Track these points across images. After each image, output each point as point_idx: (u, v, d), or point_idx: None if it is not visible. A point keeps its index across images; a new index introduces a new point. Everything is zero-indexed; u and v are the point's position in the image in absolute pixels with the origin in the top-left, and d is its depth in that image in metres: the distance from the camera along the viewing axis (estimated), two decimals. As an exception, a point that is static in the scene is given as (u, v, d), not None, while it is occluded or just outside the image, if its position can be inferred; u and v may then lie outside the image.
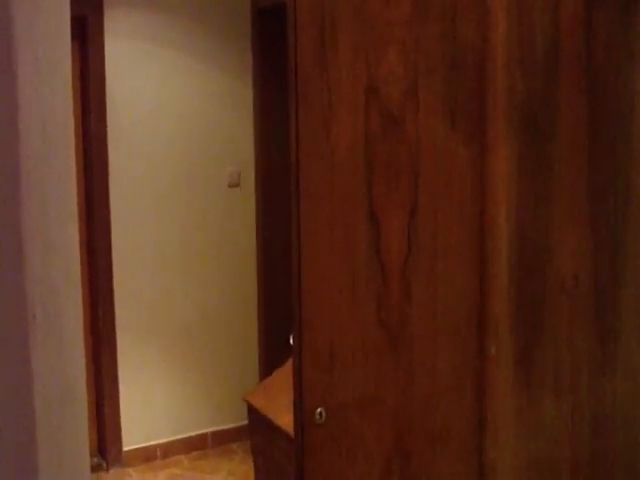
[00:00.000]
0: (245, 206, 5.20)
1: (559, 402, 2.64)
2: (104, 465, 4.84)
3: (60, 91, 1.00)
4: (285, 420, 2.94)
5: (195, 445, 5.11)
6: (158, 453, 5.03)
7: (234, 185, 5.16)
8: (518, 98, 2.45)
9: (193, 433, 5.10)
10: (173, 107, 4.97)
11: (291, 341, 2.25)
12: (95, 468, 4.69)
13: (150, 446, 5.01)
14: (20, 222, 0.85)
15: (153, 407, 4.98)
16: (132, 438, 4.93)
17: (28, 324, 0.85)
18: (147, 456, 4.99)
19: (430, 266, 2.35)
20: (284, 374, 3.25)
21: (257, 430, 3.38)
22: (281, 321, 4.96)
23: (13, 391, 0.87)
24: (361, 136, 2.22)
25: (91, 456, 4.66)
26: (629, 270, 2.75)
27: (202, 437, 5.09)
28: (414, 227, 2.31)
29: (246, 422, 4.24)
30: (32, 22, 0.91)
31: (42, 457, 0.88)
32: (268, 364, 5.01)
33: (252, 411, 3.41)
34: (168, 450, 5.05)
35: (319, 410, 2.19)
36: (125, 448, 4.92)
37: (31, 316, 0.85)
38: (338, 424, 2.24)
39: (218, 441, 5.18)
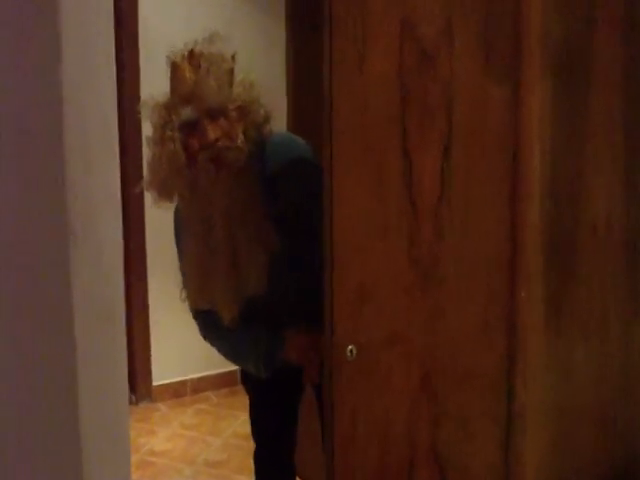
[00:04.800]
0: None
1: (588, 347, 2.64)
2: (133, 399, 4.92)
3: (103, 20, 1.01)
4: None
5: (224, 382, 5.15)
6: (188, 389, 5.09)
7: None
8: (554, 39, 2.42)
9: (223, 370, 5.11)
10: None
11: None
12: (125, 402, 4.76)
13: (180, 382, 5.07)
14: (62, 142, 0.86)
15: (184, 343, 5.00)
16: (162, 373, 4.99)
17: (69, 242, 0.86)
18: (176, 391, 5.05)
19: (462, 205, 2.34)
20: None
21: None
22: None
23: (53, 309, 0.88)
24: (395, 72, 2.20)
25: (122, 390, 4.73)
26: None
27: (232, 374, 5.10)
28: (447, 165, 2.30)
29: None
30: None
31: (81, 374, 0.90)
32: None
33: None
34: (197, 386, 5.11)
35: (350, 347, 2.21)
36: (155, 383, 4.98)
37: (71, 235, 0.86)
38: (368, 361, 2.26)
39: (247, 378, 5.20)
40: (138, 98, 4.64)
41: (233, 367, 5.16)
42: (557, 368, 2.58)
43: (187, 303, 2.56)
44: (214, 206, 2.29)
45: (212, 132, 2.24)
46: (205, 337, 2.61)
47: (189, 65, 2.31)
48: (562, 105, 2.46)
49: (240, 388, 4.94)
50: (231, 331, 2.51)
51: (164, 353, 4.98)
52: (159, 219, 4.83)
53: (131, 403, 4.88)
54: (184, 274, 2.52)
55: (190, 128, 2.27)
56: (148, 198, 4.75)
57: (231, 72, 2.33)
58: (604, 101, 2.54)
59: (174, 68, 2.34)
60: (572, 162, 2.51)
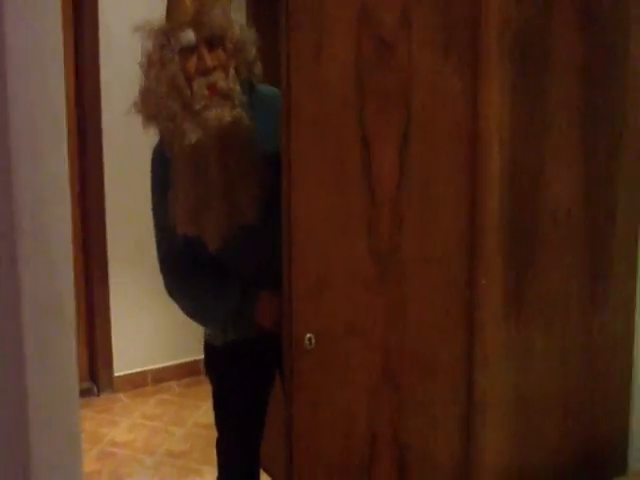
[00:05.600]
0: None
1: (549, 335, 2.66)
2: (95, 390, 4.88)
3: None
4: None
5: (187, 372, 5.12)
6: (149, 379, 5.06)
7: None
8: (512, 27, 2.43)
9: (185, 359, 5.10)
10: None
11: None
12: (86, 393, 4.72)
13: (141, 372, 5.03)
14: (8, 132, 0.85)
15: (145, 333, 4.99)
16: (123, 364, 4.96)
17: (16, 237, 0.85)
18: (138, 382, 5.02)
19: (422, 194, 2.34)
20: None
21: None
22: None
23: (0, 303, 0.88)
24: (353, 61, 2.19)
25: (82, 381, 4.69)
26: (621, 203, 2.75)
27: (194, 364, 5.10)
28: (406, 154, 2.30)
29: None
30: None
31: (29, 369, 0.89)
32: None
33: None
34: (159, 376, 5.08)
35: (308, 336, 2.20)
36: (116, 374, 4.95)
37: (19, 227, 0.85)
38: (327, 351, 2.26)
39: (209, 368, 5.18)
40: (97, 85, 4.62)
41: (196, 357, 5.14)
42: (518, 357, 2.60)
43: (159, 249, 2.52)
44: (209, 142, 2.30)
45: (210, 60, 2.28)
46: (171, 291, 2.56)
47: None
48: (521, 92, 2.47)
49: (203, 378, 4.93)
50: (202, 284, 2.49)
51: (125, 344, 4.94)
52: (119, 210, 4.81)
53: (92, 394, 4.85)
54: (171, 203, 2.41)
55: (187, 53, 2.30)
56: (108, 191, 4.73)
57: (230, 5, 2.39)
58: (563, 88, 2.56)
59: None
60: (532, 150, 2.52)
